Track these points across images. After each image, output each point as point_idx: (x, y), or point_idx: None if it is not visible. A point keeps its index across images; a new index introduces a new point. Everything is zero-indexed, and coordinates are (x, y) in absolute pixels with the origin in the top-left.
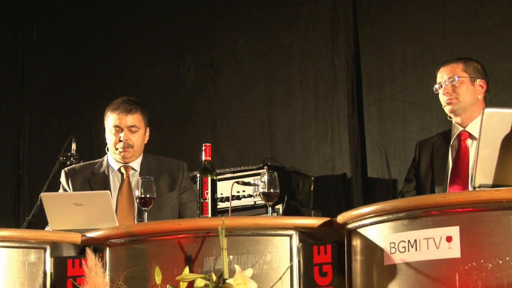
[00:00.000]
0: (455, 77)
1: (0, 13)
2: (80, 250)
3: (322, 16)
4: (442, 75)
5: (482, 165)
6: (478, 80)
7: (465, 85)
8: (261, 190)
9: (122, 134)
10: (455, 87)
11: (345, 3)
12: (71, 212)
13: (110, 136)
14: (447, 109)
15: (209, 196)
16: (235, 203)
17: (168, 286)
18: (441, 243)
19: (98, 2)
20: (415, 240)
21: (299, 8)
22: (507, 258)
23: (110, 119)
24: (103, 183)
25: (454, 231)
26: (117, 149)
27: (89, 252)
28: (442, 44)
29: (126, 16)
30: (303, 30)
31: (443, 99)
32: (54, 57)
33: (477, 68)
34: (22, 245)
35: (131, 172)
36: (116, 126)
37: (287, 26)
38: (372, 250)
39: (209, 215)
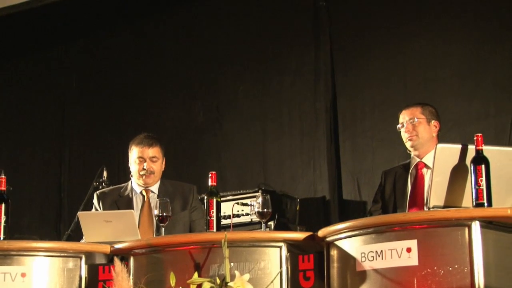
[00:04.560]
0: (415, 118)
1: (47, 62)
2: (109, 258)
3: (306, 68)
4: (404, 117)
5: (435, 190)
6: (433, 121)
7: (422, 125)
8: (256, 209)
9: (146, 164)
10: (415, 126)
11: (325, 59)
12: (102, 227)
13: (134, 166)
14: (408, 144)
15: (214, 214)
16: (235, 220)
17: None
18: (402, 253)
19: (126, 58)
20: (381, 251)
21: (287, 62)
22: (456, 266)
23: (135, 152)
24: (128, 204)
25: (413, 243)
26: (141, 176)
27: (116, 260)
28: (404, 91)
29: (148, 68)
30: (291, 80)
31: (405, 136)
32: (89, 100)
33: (432, 111)
34: (62, 254)
35: (151, 194)
36: (140, 157)
37: (278, 76)
38: (346, 259)
39: (214, 230)
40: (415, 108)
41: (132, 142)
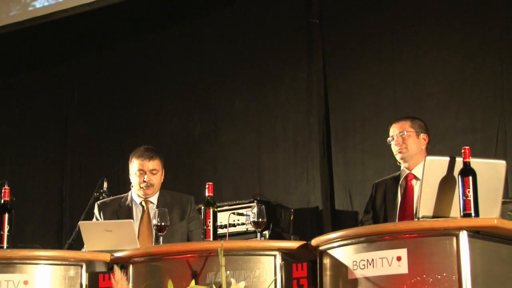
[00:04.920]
0: (404, 131)
1: (50, 78)
2: (109, 266)
3: (299, 84)
4: (394, 130)
5: (425, 200)
6: (422, 134)
7: (412, 138)
8: (251, 219)
9: (146, 176)
10: (404, 139)
11: (318, 75)
12: (103, 236)
13: (135, 178)
14: (398, 156)
15: (211, 224)
16: (231, 229)
17: None
18: (393, 261)
19: (125, 74)
20: (372, 259)
21: (282, 77)
22: (444, 274)
23: (135, 164)
24: (128, 214)
25: (402, 252)
26: (141, 188)
27: (116, 268)
28: (393, 106)
29: (147, 83)
30: (286, 95)
31: (395, 148)
32: (90, 115)
33: (421, 125)
34: (63, 263)
35: (150, 205)
36: (140, 170)
37: (273, 91)
38: (338, 267)
39: (211, 239)
40: (405, 121)
41: (133, 155)
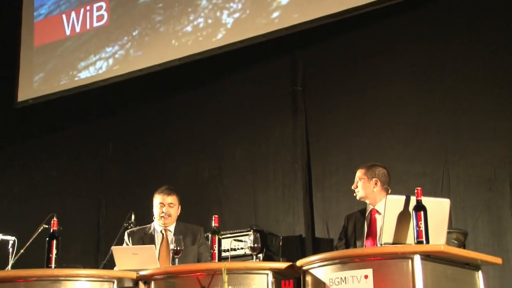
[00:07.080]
0: (359, 177)
1: (90, 133)
2: (135, 282)
3: (287, 137)
4: (356, 175)
5: (386, 230)
6: (373, 179)
7: (362, 183)
8: (249, 244)
9: (164, 208)
10: (358, 183)
11: (301, 130)
12: (130, 258)
13: (156, 209)
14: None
15: (216, 248)
16: (233, 253)
17: None
18: (361, 279)
19: (149, 129)
20: (345, 277)
21: (272, 132)
22: None
23: (157, 199)
24: (151, 240)
25: (369, 272)
26: (161, 217)
27: (141, 284)
28: (361, 155)
29: (166, 137)
30: (275, 146)
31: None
32: (122, 161)
33: (375, 171)
34: (99, 279)
35: (168, 233)
36: (161, 203)
37: (266, 143)
38: (318, 283)
39: (216, 260)
40: (361, 169)
41: (156, 192)
